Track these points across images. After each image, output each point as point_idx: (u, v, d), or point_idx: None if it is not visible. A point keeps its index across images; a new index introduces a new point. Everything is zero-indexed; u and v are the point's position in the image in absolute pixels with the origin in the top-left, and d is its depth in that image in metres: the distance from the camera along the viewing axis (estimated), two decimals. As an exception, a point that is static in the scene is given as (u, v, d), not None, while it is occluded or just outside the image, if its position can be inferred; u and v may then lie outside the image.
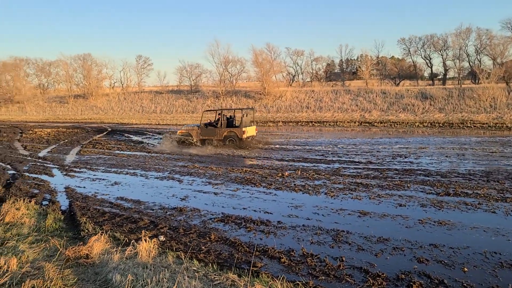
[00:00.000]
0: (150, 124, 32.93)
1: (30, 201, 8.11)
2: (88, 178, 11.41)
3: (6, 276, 4.34)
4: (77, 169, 12.64)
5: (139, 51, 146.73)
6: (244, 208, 8.10)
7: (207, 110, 22.19)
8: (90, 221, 7.09)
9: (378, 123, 29.27)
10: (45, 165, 13.50)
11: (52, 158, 15.08)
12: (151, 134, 24.40)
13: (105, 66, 63.18)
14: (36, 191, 9.69)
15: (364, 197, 8.61)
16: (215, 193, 9.37)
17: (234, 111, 19.43)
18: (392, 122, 29.06)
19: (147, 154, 15.75)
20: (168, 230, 6.73)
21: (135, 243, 5.57)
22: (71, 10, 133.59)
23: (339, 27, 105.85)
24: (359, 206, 7.99)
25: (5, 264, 4.60)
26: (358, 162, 12.94)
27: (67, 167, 12.99)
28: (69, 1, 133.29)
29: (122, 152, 16.52)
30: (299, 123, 31.15)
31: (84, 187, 10.22)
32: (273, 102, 41.17)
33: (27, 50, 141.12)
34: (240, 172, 11.62)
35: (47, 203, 8.48)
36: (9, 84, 60.24)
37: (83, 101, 53.98)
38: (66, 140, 21.15)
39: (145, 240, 5.54)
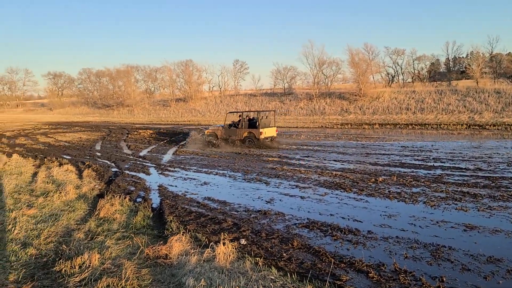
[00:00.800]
0: (244, 126, 33.58)
1: (125, 198, 8.49)
2: (181, 177, 11.76)
3: (86, 272, 4.44)
4: (172, 168, 13.15)
5: (236, 56, 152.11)
6: (332, 215, 7.58)
7: (230, 112, 22.75)
8: (176, 220, 7.16)
9: (490, 125, 26.21)
10: (144, 163, 14.30)
11: (150, 157, 15.98)
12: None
13: (205, 71, 66.48)
14: (132, 188, 10.19)
15: (471, 209, 7.53)
16: (302, 197, 8.97)
17: (258, 113, 19.36)
18: (508, 124, 25.78)
19: (237, 155, 15.90)
20: (250, 234, 6.50)
21: (214, 246, 5.42)
22: (175, 19, 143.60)
23: (446, 22, 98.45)
24: (465, 218, 6.99)
25: (88, 259, 4.73)
26: (464, 168, 11.54)
27: (162, 166, 13.60)
28: (174, 13, 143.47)
29: (214, 152, 16.91)
30: (398, 126, 29.24)
31: (176, 186, 10.52)
32: (369, 104, 39.38)
33: (137, 58, 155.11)
34: (330, 176, 11.06)
35: (140, 200, 8.83)
36: (121, 89, 66.46)
37: (183, 104, 57.23)
38: (165, 141, 22.39)
39: (224, 243, 5.35)
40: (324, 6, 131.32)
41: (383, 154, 14.99)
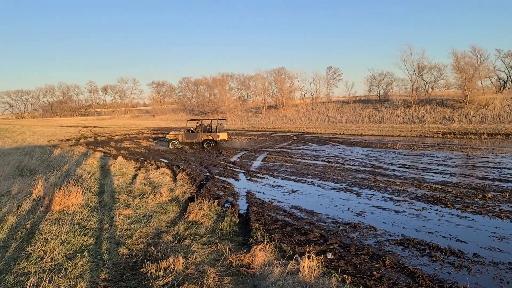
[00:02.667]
0: (335, 134, 32.71)
1: (213, 203, 8.62)
2: (268, 184, 11.70)
3: (170, 276, 4.47)
4: (260, 175, 13.17)
5: (330, 62, 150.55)
6: (430, 232, 6.86)
7: (190, 120, 26.18)
8: (261, 227, 7.04)
9: None
10: (234, 169, 14.55)
11: (240, 163, 16.22)
12: (334, 144, 24.12)
13: (297, 78, 66.85)
14: (221, 193, 10.36)
15: None
16: (396, 211, 8.30)
17: (211, 121, 24.81)
18: None
19: (327, 163, 15.43)
20: (337, 247, 6.13)
21: (298, 258, 5.17)
22: (269, 27, 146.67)
23: None
24: None
25: (173, 263, 4.77)
26: None
27: (251, 173, 13.69)
28: (267, 21, 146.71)
29: (303, 160, 16.63)
30: (511, 136, 26.15)
31: (263, 193, 10.46)
32: (477, 111, 35.94)
33: (232, 66, 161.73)
34: (429, 189, 10.13)
35: (228, 205, 8.90)
36: (217, 97, 69.42)
37: (274, 111, 57.83)
38: (256, 147, 22.68)
39: (309, 256, 5.08)
40: (425, 7, 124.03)
41: (493, 168, 13.40)
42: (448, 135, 28.12)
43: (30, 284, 4.29)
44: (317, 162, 15.89)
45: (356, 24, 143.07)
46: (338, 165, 15.01)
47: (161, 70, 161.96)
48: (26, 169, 12.41)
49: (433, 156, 16.89)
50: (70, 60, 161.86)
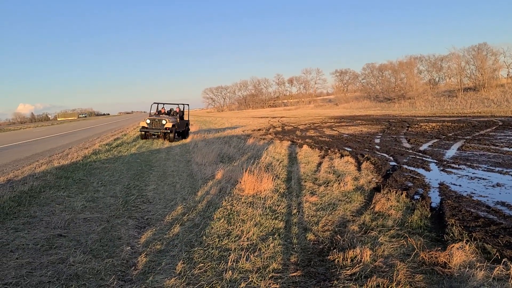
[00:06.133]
0: (555, 117, 26.90)
1: (401, 194, 8.13)
2: (466, 176, 10.39)
3: (358, 267, 4.36)
4: (455, 165, 11.80)
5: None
6: None
7: (155, 103, 23.21)
8: (458, 224, 6.28)
9: None
10: (424, 158, 13.42)
11: (431, 152, 14.86)
12: (555, 129, 19.85)
13: (503, 54, 57.73)
14: (410, 184, 9.68)
15: None
16: None
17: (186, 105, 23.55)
18: None
19: (545, 153, 12.80)
20: None
21: (508, 263, 4.41)
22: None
23: None
24: None
25: (360, 253, 4.65)
26: None
27: (445, 163, 12.38)
28: None
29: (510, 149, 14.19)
30: None
31: (460, 186, 9.35)
32: None
33: (421, 48, 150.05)
34: None
35: (418, 197, 8.27)
36: (403, 82, 65.55)
37: (472, 94, 51.17)
38: (450, 135, 20.45)
39: (524, 263, 4.28)
40: None
41: None
42: None
43: (231, 259, 4.79)
44: (530, 152, 13.35)
45: None
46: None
47: (344, 57, 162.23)
48: (225, 156, 14.03)
49: None
50: (261, 55, 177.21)
